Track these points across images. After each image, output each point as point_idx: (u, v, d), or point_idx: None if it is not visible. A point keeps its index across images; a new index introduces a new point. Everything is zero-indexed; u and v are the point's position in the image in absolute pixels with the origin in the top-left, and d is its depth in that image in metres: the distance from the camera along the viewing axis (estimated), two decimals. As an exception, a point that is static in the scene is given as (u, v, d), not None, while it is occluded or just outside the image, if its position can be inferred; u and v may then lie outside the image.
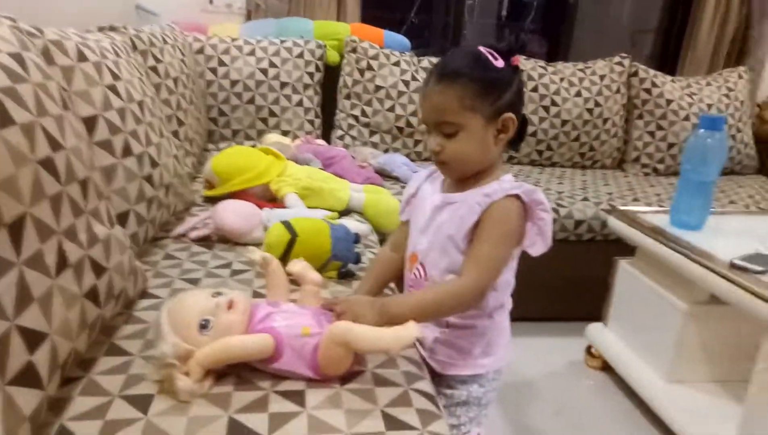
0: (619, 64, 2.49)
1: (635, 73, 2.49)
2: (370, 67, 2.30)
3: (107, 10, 2.15)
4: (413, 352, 0.92)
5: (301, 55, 2.29)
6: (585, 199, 1.98)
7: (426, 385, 0.83)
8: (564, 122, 2.40)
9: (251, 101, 2.24)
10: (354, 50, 2.31)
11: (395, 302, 0.89)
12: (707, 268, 1.29)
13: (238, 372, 0.79)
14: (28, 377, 0.63)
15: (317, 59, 2.32)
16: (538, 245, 0.88)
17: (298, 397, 0.75)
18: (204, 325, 0.77)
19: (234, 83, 2.22)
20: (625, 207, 1.71)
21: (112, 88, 1.13)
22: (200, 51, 2.21)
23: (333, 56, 2.42)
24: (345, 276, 1.15)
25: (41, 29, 0.99)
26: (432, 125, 0.87)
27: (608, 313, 1.75)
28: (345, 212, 1.57)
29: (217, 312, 0.78)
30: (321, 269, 1.14)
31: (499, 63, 0.83)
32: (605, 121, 2.44)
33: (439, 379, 0.97)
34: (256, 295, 1.03)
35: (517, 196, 0.84)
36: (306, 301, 0.90)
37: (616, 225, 1.65)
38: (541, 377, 1.77)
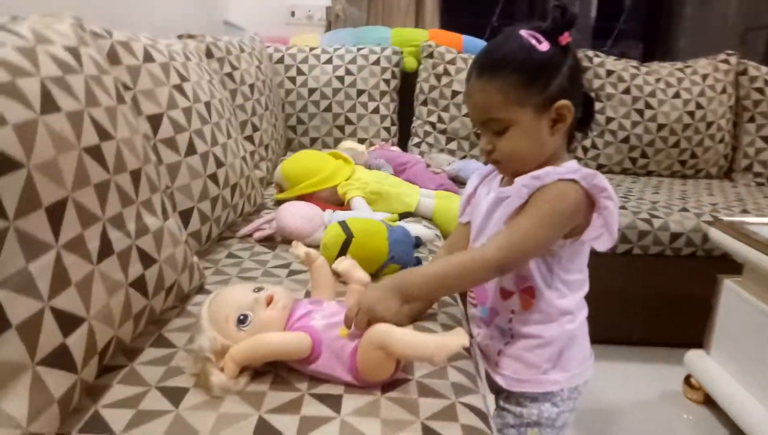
0: (725, 62, 2.25)
1: (744, 72, 2.25)
2: (446, 72, 2.24)
3: (196, 26, 2.26)
4: (467, 362, 0.84)
5: (377, 62, 2.27)
6: (684, 209, 1.79)
7: (477, 400, 0.75)
8: (660, 127, 2.20)
9: (328, 109, 2.26)
10: (431, 55, 2.26)
11: (409, 281, 0.80)
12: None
13: (277, 371, 0.76)
14: (60, 359, 0.62)
15: (394, 66, 2.30)
16: (604, 238, 0.78)
17: (333, 402, 0.70)
18: (242, 320, 0.74)
19: (312, 91, 2.25)
20: (731, 218, 1.51)
21: (179, 89, 1.15)
22: (280, 61, 2.27)
23: (411, 63, 2.39)
24: (403, 280, 1.09)
25: (111, 31, 1.03)
26: (479, 125, 0.80)
27: (711, 338, 1.55)
28: (409, 217, 1.50)
29: (255, 307, 0.75)
30: (378, 271, 1.09)
31: (544, 46, 0.74)
32: (709, 125, 2.22)
33: (507, 395, 0.88)
34: (309, 295, 0.99)
35: (574, 181, 0.75)
36: (351, 301, 0.85)
37: (720, 238, 1.46)
38: (631, 407, 1.59)
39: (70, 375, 0.63)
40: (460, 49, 2.39)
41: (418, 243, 1.15)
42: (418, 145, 2.31)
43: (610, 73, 2.24)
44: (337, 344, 0.73)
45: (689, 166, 2.27)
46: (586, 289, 0.86)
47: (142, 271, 0.80)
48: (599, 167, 2.29)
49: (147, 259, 0.82)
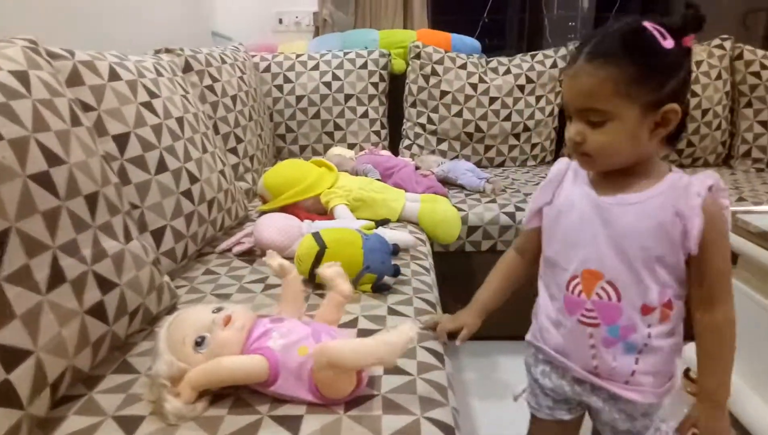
0: (719, 47, 2.20)
1: (740, 56, 2.19)
2: (435, 73, 2.22)
3: (183, 38, 2.25)
4: (438, 373, 0.82)
5: (364, 66, 2.25)
6: (678, 200, 1.74)
7: (444, 414, 0.73)
8: (654, 116, 2.16)
9: (316, 116, 2.24)
10: (418, 56, 2.24)
11: (715, 388, 0.76)
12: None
13: (239, 394, 0.74)
14: (3, 396, 0.61)
15: (381, 69, 2.27)
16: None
17: (293, 423, 0.68)
18: (199, 343, 0.72)
19: (299, 99, 2.23)
20: (724, 207, 1.47)
21: (147, 106, 1.14)
22: (267, 69, 2.25)
23: (399, 64, 2.36)
24: (380, 289, 1.07)
25: (73, 51, 1.02)
26: (575, 111, 0.73)
27: (708, 330, 1.50)
28: (388, 223, 1.46)
29: (213, 328, 0.73)
30: (354, 282, 1.07)
31: (668, 43, 0.68)
32: (705, 112, 2.16)
33: (637, 407, 0.81)
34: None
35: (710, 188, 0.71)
36: (327, 313, 0.83)
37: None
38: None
39: (14, 411, 0.62)
40: (449, 48, 2.36)
41: (395, 250, 1.13)
42: (408, 147, 2.28)
43: (600, 64, 2.19)
44: (296, 364, 0.70)
45: (686, 155, 2.22)
46: None
47: (100, 297, 0.79)
48: (594, 160, 2.25)
49: (106, 284, 0.80)
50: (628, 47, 0.69)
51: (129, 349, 0.87)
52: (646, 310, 0.74)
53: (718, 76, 2.18)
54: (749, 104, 2.19)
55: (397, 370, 0.80)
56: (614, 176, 0.75)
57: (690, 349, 1.59)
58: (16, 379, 0.63)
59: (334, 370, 0.67)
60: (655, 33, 0.68)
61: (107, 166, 0.90)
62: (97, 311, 0.78)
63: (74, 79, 0.99)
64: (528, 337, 0.88)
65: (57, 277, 0.71)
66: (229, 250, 1.30)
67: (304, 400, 0.71)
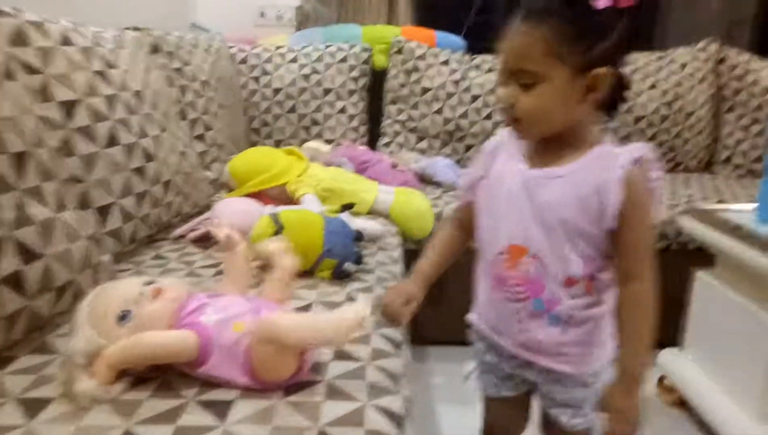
0: (703, 50, 2.18)
1: (723, 59, 2.17)
2: (416, 69, 2.16)
3: (162, 27, 2.19)
4: (392, 360, 0.75)
5: (344, 60, 2.20)
6: (659, 201, 1.69)
7: (393, 402, 0.66)
8: (638, 119, 2.12)
9: (293, 110, 2.17)
10: (400, 51, 2.19)
11: (626, 365, 0.73)
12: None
13: (165, 377, 0.66)
14: None
15: (362, 63, 2.22)
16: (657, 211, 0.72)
17: (221, 409, 0.61)
18: (123, 317, 0.65)
19: (276, 92, 2.17)
20: (704, 206, 1.43)
21: (102, 75, 1.07)
22: (243, 61, 2.19)
23: (381, 60, 2.30)
24: (341, 276, 1.00)
25: (20, 9, 0.95)
26: (508, 73, 0.71)
27: (685, 336, 1.45)
28: (351, 208, 1.38)
29: (141, 301, 0.66)
30: (314, 267, 1.00)
31: (602, 3, 0.67)
32: (688, 116, 2.13)
33: (571, 378, 0.80)
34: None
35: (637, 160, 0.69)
36: (272, 292, 0.76)
37: (690, 226, 1.37)
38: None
39: None
40: (433, 45, 2.31)
41: (358, 237, 1.06)
42: (387, 144, 2.22)
43: (584, 65, 2.16)
44: (230, 341, 0.63)
45: (669, 159, 2.18)
46: None
47: (20, 267, 0.71)
48: (576, 163, 2.21)
49: (27, 254, 0.73)
50: (561, 6, 0.69)
51: (52, 330, 0.79)
52: (569, 282, 0.74)
53: (703, 80, 2.15)
54: (731, 109, 2.16)
55: (346, 356, 0.73)
56: (547, 148, 0.74)
57: (663, 356, 1.53)
58: None
59: (274, 345, 0.60)
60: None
61: (44, 129, 0.83)
62: (14, 281, 0.70)
63: (18, 39, 0.92)
64: (469, 315, 0.87)
65: (-35, 239, 0.64)
66: (184, 236, 1.23)
67: (238, 383, 0.64)
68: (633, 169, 0.69)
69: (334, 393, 0.65)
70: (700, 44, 2.19)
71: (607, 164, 0.69)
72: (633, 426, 0.73)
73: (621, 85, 0.72)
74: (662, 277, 1.59)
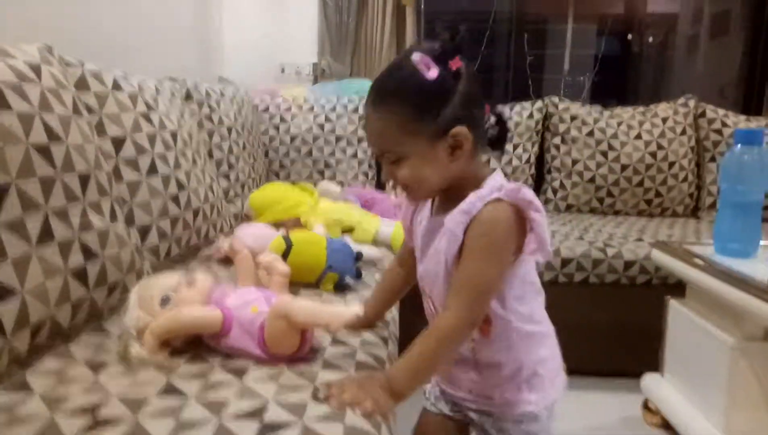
0: (684, 105, 2.37)
1: (703, 114, 2.36)
2: (420, 118, 2.37)
3: (194, 79, 2.44)
4: (379, 348, 0.91)
5: (355, 110, 2.43)
6: (639, 239, 1.85)
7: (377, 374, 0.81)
8: (624, 167, 2.30)
9: (309, 154, 2.39)
10: (405, 103, 2.40)
11: (392, 374, 0.74)
12: (760, 298, 1.15)
13: (196, 350, 0.83)
14: (-11, 322, 0.70)
15: (371, 113, 2.44)
16: (538, 253, 0.75)
17: (240, 372, 0.77)
18: (165, 300, 0.82)
19: (294, 138, 2.39)
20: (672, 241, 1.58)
21: (145, 116, 1.28)
22: (265, 110, 2.43)
23: (388, 111, 2.53)
24: (342, 289, 1.17)
25: (83, 62, 1.17)
26: (378, 154, 0.78)
27: (664, 361, 1.58)
28: (348, 231, 1.57)
29: (178, 288, 0.83)
30: (318, 280, 1.17)
31: (433, 73, 0.71)
32: (671, 165, 2.31)
33: (499, 416, 0.85)
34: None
35: (499, 200, 0.72)
36: (274, 291, 0.93)
37: (660, 258, 1.52)
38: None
39: (-2, 338, 0.71)
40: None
41: (358, 256, 1.23)
42: (394, 186, 2.41)
43: (574, 117, 2.36)
44: (248, 319, 0.80)
45: (655, 205, 2.35)
46: (541, 299, 0.84)
47: (83, 263, 0.89)
48: (568, 207, 2.38)
49: (89, 253, 0.91)
50: (398, 87, 0.73)
51: (105, 319, 0.96)
52: None
53: (683, 132, 2.33)
54: (713, 159, 2.33)
55: (341, 343, 0.89)
56: (447, 196, 0.78)
57: (646, 381, 1.64)
58: (3, 312, 0.72)
59: (286, 320, 0.76)
60: (420, 65, 0.71)
61: (101, 157, 1.02)
62: (80, 274, 0.88)
63: (81, 84, 1.13)
64: None
65: (46, 234, 0.82)
66: (211, 257, 1.40)
67: (253, 353, 0.80)
68: (490, 205, 0.71)
69: (329, 366, 0.81)
70: (680, 99, 2.39)
71: (469, 209, 0.72)
72: (374, 408, 0.69)
73: (501, 122, 0.78)
74: (646, 309, 1.74)
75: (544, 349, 0.84)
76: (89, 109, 1.12)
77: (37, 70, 0.90)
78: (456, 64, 0.73)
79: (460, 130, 0.72)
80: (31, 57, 0.91)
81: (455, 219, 0.73)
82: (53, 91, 0.91)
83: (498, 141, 0.80)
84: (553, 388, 0.84)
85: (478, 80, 0.76)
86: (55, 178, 0.86)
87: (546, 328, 0.85)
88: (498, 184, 0.74)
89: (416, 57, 0.72)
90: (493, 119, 0.79)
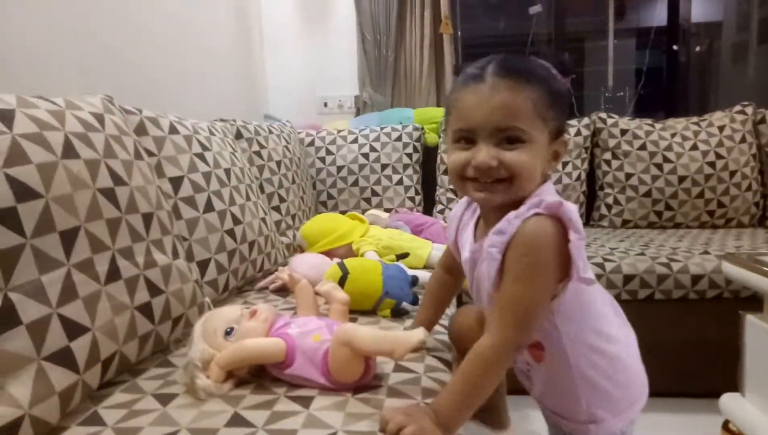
0: (741, 112, 2.28)
1: (762, 120, 2.25)
2: (465, 142, 2.37)
3: (242, 119, 2.53)
4: (444, 375, 0.88)
5: (399, 139, 2.44)
6: (705, 252, 1.76)
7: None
8: (682, 179, 2.21)
9: (355, 183, 2.41)
10: (449, 128, 2.41)
11: (439, 405, 0.70)
12: None
13: (260, 380, 0.83)
14: (63, 359, 0.72)
15: (415, 141, 2.46)
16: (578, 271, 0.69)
17: (305, 401, 0.76)
18: (228, 332, 0.83)
19: (340, 169, 2.42)
20: (746, 251, 1.49)
21: (200, 156, 1.32)
22: (311, 144, 2.48)
23: (432, 138, 2.54)
24: (398, 314, 1.15)
25: (141, 109, 1.22)
26: (487, 132, 0.70)
27: (743, 380, 1.48)
28: (403, 256, 1.56)
29: (240, 320, 0.84)
30: (375, 306, 1.16)
31: (565, 82, 0.75)
32: (732, 174, 2.20)
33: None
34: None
35: (538, 215, 0.68)
36: (334, 319, 0.92)
37: (733, 271, 1.43)
38: (668, 459, 1.51)
39: (71, 374, 0.73)
40: (478, 122, 2.53)
41: (414, 281, 1.22)
42: (441, 211, 2.40)
43: (624, 132, 2.30)
44: (310, 348, 0.79)
45: (718, 215, 2.24)
46: (611, 317, 0.80)
47: (148, 299, 0.91)
48: (624, 223, 2.30)
49: (154, 289, 0.93)
50: (540, 74, 0.72)
51: (170, 353, 0.98)
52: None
53: (743, 140, 2.23)
54: (777, 165, 2.22)
55: (404, 369, 0.87)
56: (490, 217, 0.75)
57: (725, 401, 1.54)
58: (76, 348, 0.74)
59: (350, 348, 0.75)
60: (554, 72, 0.73)
61: (162, 197, 1.06)
62: (145, 310, 0.90)
63: (140, 130, 1.18)
64: None
65: (114, 273, 0.85)
66: (267, 287, 1.42)
67: (317, 382, 0.79)
68: (531, 220, 0.68)
69: (395, 393, 0.79)
70: (737, 107, 2.30)
71: (505, 228, 0.69)
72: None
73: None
74: (719, 325, 1.65)
75: (619, 372, 0.79)
76: (149, 153, 1.17)
77: (100, 119, 0.94)
78: (565, 83, 0.76)
79: (566, 138, 0.74)
80: (94, 108, 0.96)
81: (491, 241, 0.70)
82: (116, 138, 0.96)
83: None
84: (626, 407, 0.80)
85: None
86: (121, 219, 0.89)
87: (617, 349, 0.79)
88: (538, 200, 0.70)
89: (546, 64, 0.74)
90: None
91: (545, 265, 0.68)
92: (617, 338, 0.80)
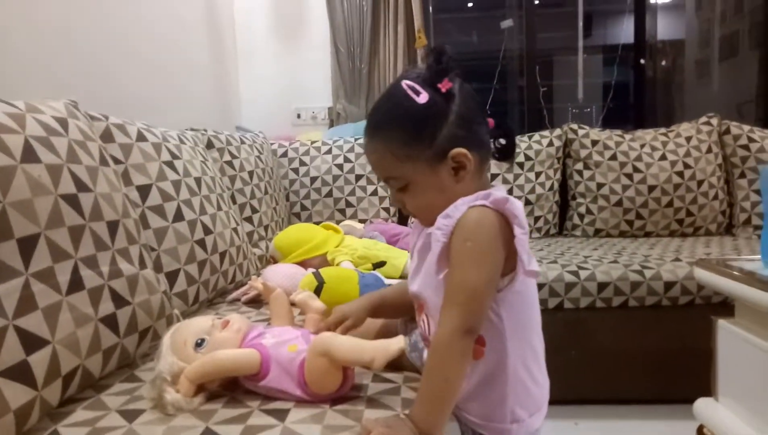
0: (707, 123, 2.33)
1: (727, 131, 2.32)
2: (439, 153, 2.37)
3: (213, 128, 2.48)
4: (423, 383, 0.86)
5: (373, 149, 2.42)
6: (677, 259, 1.78)
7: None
8: (651, 188, 2.25)
9: (329, 194, 2.39)
10: (423, 139, 2.40)
11: (415, 413, 0.69)
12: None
13: (233, 394, 0.79)
14: (20, 374, 0.68)
15: (390, 151, 2.44)
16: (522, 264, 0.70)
17: (281, 414, 0.73)
18: (199, 344, 0.79)
19: (313, 180, 2.40)
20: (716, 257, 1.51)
21: (169, 165, 1.28)
22: (284, 155, 2.44)
23: (406, 148, 2.53)
24: (376, 324, 1.12)
25: (107, 116, 1.18)
26: (383, 181, 0.79)
27: (717, 384, 1.49)
28: (379, 265, 1.54)
29: (212, 331, 0.80)
30: (352, 317, 1.13)
31: (423, 97, 0.71)
32: (700, 183, 2.25)
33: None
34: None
35: (484, 207, 0.69)
36: (309, 327, 0.89)
37: (705, 276, 1.45)
38: (645, 465, 1.51)
39: (28, 389, 0.68)
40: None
41: (391, 290, 1.19)
42: (405, 213, 2.38)
43: (595, 142, 2.33)
44: (286, 359, 0.76)
45: (687, 224, 2.28)
46: (536, 321, 0.80)
47: (113, 310, 0.87)
48: (597, 232, 2.32)
49: (119, 300, 0.89)
50: (390, 115, 0.73)
51: (137, 367, 0.93)
52: None
53: (709, 150, 2.29)
54: (743, 175, 2.28)
55: (383, 379, 0.85)
56: None
57: (699, 405, 1.55)
58: (34, 362, 0.70)
59: (327, 358, 0.72)
60: (409, 92, 0.71)
61: (128, 204, 1.02)
62: (110, 322, 0.86)
63: (107, 137, 1.14)
64: None
65: (77, 283, 0.80)
66: (238, 299, 1.38)
67: (293, 394, 0.76)
68: (464, 215, 0.69)
69: (374, 404, 0.76)
70: (702, 119, 2.36)
71: (452, 212, 0.70)
72: None
73: (507, 135, 0.78)
74: (691, 331, 1.67)
75: (539, 372, 0.80)
76: (115, 160, 1.13)
77: (64, 124, 0.90)
78: (446, 85, 0.72)
79: (459, 151, 0.72)
80: (57, 112, 0.92)
81: (438, 223, 0.71)
82: (80, 144, 0.91)
83: (506, 152, 0.80)
84: (540, 413, 0.80)
85: (474, 98, 0.76)
86: (84, 226, 0.85)
87: (541, 349, 0.82)
88: (486, 193, 0.71)
89: (405, 84, 0.72)
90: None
91: (488, 251, 0.68)
92: (541, 338, 0.82)
